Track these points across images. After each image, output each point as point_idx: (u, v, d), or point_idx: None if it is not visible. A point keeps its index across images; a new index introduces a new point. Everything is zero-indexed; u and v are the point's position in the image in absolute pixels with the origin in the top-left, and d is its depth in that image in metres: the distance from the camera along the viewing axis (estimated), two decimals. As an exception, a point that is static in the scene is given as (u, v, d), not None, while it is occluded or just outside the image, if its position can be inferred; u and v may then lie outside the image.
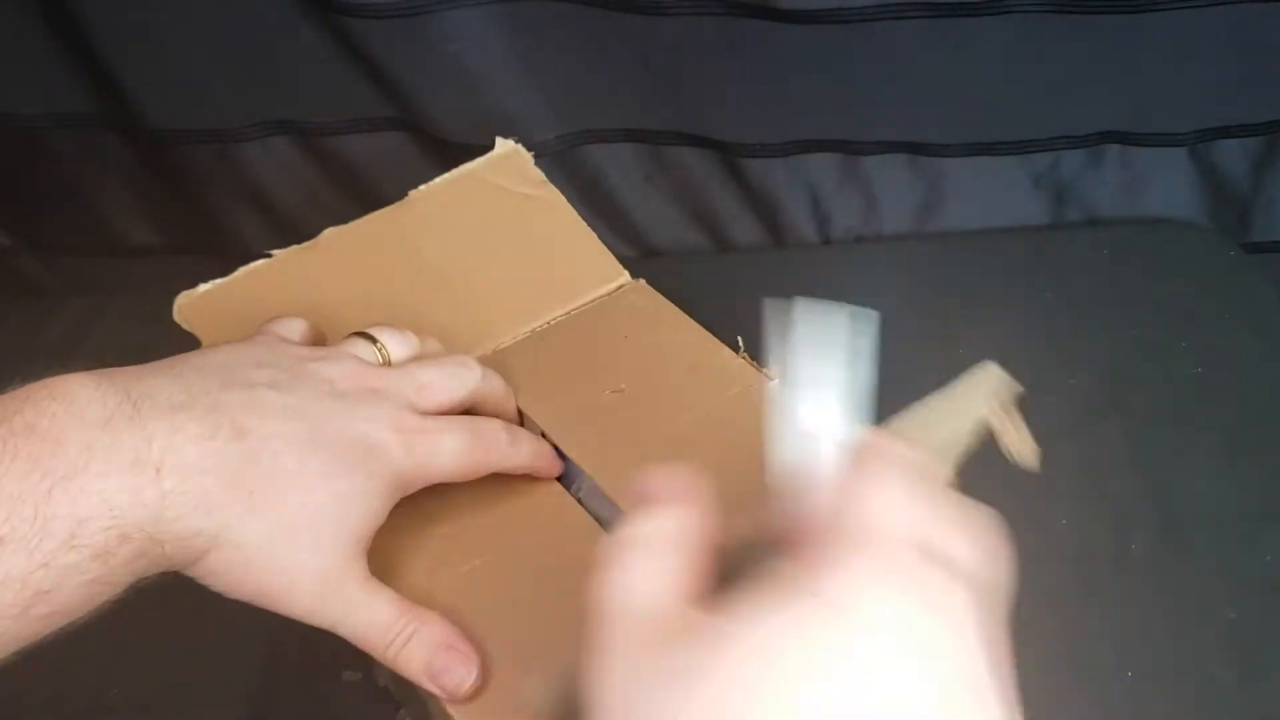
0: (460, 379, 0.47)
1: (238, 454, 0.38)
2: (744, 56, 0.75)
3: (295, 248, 0.59)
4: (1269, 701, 0.55)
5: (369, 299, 0.57)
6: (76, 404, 0.36)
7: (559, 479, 0.50)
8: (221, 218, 0.85)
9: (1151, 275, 0.80)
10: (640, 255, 0.88)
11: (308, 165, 0.82)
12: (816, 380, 0.30)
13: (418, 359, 0.48)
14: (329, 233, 0.60)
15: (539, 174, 0.63)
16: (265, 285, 0.58)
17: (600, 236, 0.86)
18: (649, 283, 0.62)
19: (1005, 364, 0.59)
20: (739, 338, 0.55)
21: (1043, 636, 0.57)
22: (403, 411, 0.44)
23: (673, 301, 0.62)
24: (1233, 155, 0.82)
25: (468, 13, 0.72)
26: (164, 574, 0.39)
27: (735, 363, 0.54)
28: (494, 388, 0.49)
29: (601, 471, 0.49)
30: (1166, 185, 0.84)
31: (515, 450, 0.47)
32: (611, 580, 0.29)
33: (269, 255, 0.59)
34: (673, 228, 0.87)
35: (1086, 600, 0.59)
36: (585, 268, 0.60)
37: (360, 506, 0.41)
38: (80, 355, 0.79)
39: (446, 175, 0.62)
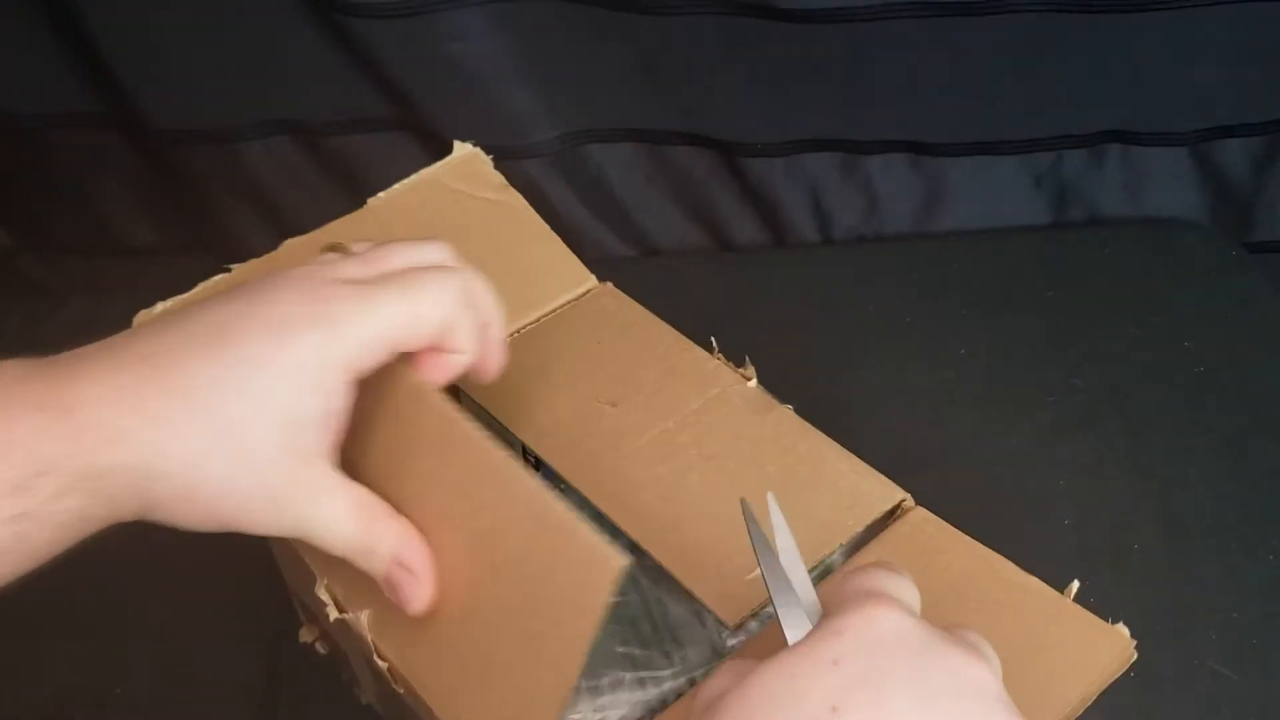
0: (425, 250, 0.43)
1: (146, 378, 0.36)
2: (745, 56, 0.75)
3: (255, 261, 0.58)
4: (1271, 701, 0.55)
5: None
6: (2, 369, 0.36)
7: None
8: (222, 217, 0.86)
9: (1153, 275, 0.80)
10: (641, 254, 0.88)
11: (309, 165, 0.83)
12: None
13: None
14: (289, 243, 0.58)
15: (500, 178, 0.61)
16: None
17: (600, 236, 0.87)
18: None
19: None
20: (712, 339, 0.54)
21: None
22: (331, 283, 0.39)
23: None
24: (1234, 155, 0.82)
25: (468, 12, 0.72)
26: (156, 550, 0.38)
27: (711, 364, 0.53)
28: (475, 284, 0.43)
29: (588, 484, 0.48)
30: (1168, 185, 0.84)
31: (468, 314, 0.41)
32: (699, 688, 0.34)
33: (228, 270, 0.57)
34: (673, 227, 0.87)
35: (1088, 600, 0.59)
36: (552, 273, 0.58)
37: (283, 404, 0.37)
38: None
39: (405, 181, 0.60)
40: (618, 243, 0.87)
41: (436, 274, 0.41)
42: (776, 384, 0.56)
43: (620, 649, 0.44)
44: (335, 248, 0.44)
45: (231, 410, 0.36)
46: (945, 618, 0.40)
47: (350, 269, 0.40)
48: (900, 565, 0.36)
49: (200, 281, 0.58)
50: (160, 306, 0.54)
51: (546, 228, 0.59)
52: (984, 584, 0.45)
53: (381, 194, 0.59)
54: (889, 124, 0.81)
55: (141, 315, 0.53)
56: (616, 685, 0.43)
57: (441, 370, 0.41)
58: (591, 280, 0.58)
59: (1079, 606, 0.44)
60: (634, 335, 0.55)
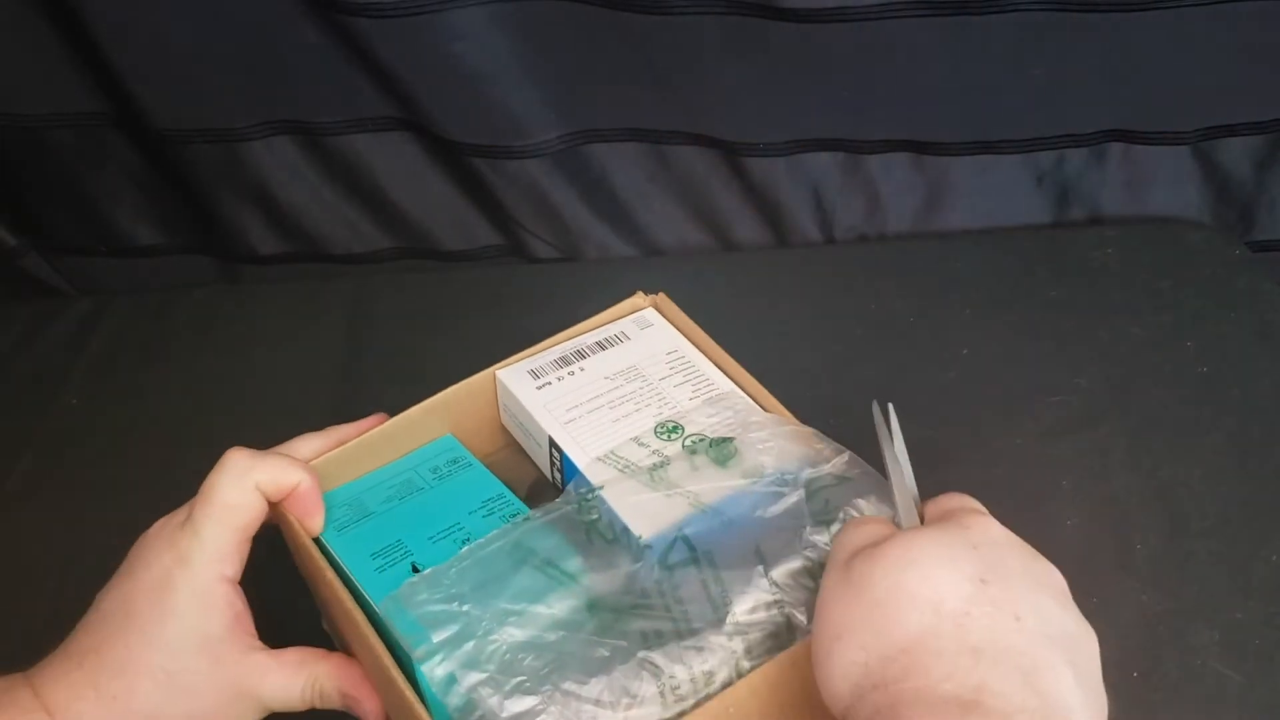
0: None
1: (92, 668, 0.45)
2: (747, 55, 0.75)
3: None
4: (1274, 701, 0.55)
5: None
6: None
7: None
8: (224, 217, 0.86)
9: (1155, 274, 0.80)
10: (643, 254, 0.88)
11: (311, 164, 0.83)
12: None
13: None
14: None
15: None
16: None
17: (602, 236, 0.87)
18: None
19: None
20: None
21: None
22: (171, 529, 0.48)
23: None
24: (1236, 154, 0.82)
25: (471, 12, 0.72)
26: None
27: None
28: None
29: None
30: (1170, 184, 0.84)
31: (235, 480, 0.48)
32: (840, 535, 0.43)
33: None
34: (676, 227, 0.87)
35: (1090, 600, 0.59)
36: None
37: (197, 630, 0.45)
38: (86, 353, 0.79)
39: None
40: (620, 243, 0.87)
41: (219, 467, 0.48)
42: (777, 384, 0.57)
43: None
44: None
45: (162, 665, 0.45)
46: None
47: (177, 515, 0.49)
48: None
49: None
50: None
51: None
52: None
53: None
54: (890, 123, 0.81)
55: None
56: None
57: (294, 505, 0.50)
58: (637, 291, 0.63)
59: None
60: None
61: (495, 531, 0.48)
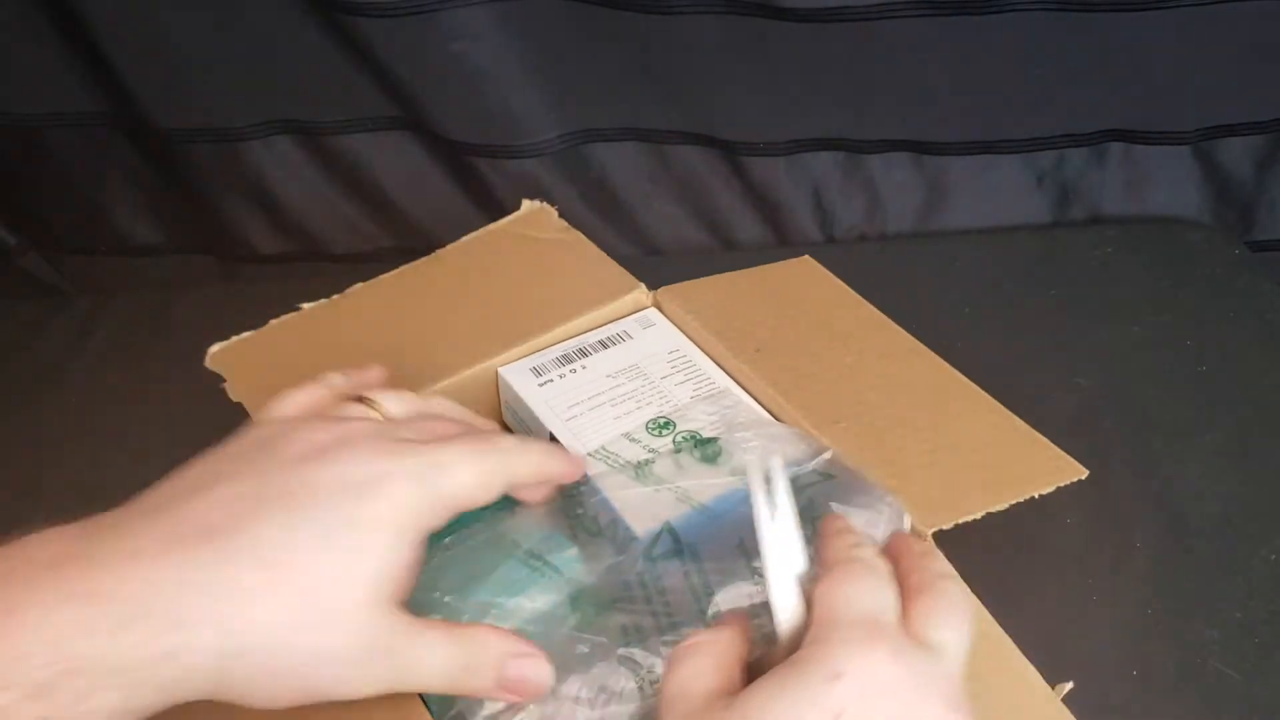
0: (455, 417, 0.44)
1: (209, 555, 0.34)
2: (747, 55, 0.75)
3: (324, 301, 0.61)
4: (1274, 700, 0.55)
5: (398, 348, 0.57)
6: (28, 547, 0.34)
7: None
8: (225, 216, 0.86)
9: (1155, 274, 0.80)
10: (643, 254, 0.88)
11: (311, 164, 0.83)
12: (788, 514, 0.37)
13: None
14: (358, 287, 0.62)
15: (563, 223, 0.66)
16: (295, 337, 0.59)
17: (603, 236, 0.87)
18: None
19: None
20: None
21: (1046, 635, 0.57)
22: (389, 440, 0.39)
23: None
24: (1236, 154, 0.82)
25: (471, 11, 0.72)
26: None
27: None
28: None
29: None
30: (1170, 184, 0.84)
31: (526, 450, 0.43)
32: (671, 674, 0.36)
33: (298, 309, 0.61)
34: (676, 226, 0.87)
35: (1090, 598, 0.59)
36: (604, 287, 0.62)
37: (371, 561, 0.36)
38: (85, 354, 0.79)
39: (473, 233, 0.65)
40: (620, 242, 0.87)
41: (498, 442, 0.42)
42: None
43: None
44: (363, 400, 0.44)
45: (316, 573, 0.35)
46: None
47: (409, 432, 0.41)
48: (880, 557, 0.37)
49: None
50: (233, 340, 0.59)
51: (601, 253, 0.64)
52: (981, 665, 0.43)
53: (451, 244, 0.65)
54: (891, 123, 0.81)
55: (215, 349, 0.58)
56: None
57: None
58: (640, 288, 0.62)
59: (1065, 711, 0.43)
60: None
61: (480, 523, 0.48)
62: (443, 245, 0.65)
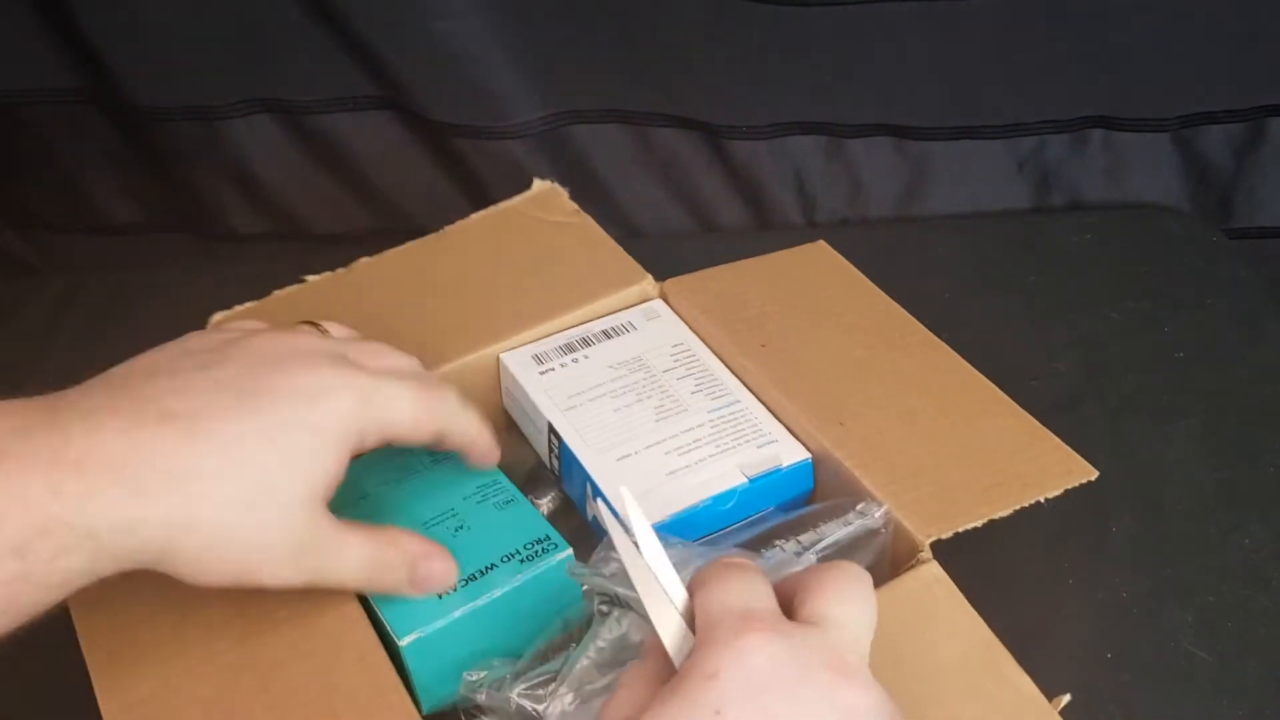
0: (408, 358, 0.46)
1: (170, 437, 0.37)
2: (730, 38, 0.75)
3: (328, 274, 0.61)
4: (1246, 682, 0.55)
5: (400, 327, 0.57)
6: None
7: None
8: (205, 195, 0.85)
9: (1134, 260, 0.80)
10: (624, 236, 0.88)
11: (292, 143, 0.82)
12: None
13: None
14: (362, 261, 0.62)
15: (573, 206, 0.66)
16: (296, 309, 0.59)
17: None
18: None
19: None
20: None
21: (1023, 617, 0.57)
22: (347, 365, 0.42)
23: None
24: (1215, 141, 0.83)
25: (453, -9, 0.72)
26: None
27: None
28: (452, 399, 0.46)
29: None
30: (1149, 171, 0.85)
31: (465, 415, 0.45)
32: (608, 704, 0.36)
33: (303, 280, 0.60)
34: (658, 209, 0.87)
35: (1066, 581, 0.59)
36: (609, 275, 0.62)
37: (313, 462, 0.39)
38: (63, 332, 0.78)
39: (484, 210, 0.65)
40: (601, 224, 0.87)
41: (440, 393, 0.44)
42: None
43: None
44: (314, 325, 0.47)
45: (264, 465, 0.38)
46: (925, 695, 0.41)
47: (359, 356, 0.43)
48: (750, 561, 0.37)
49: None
50: (235, 309, 0.59)
51: (609, 239, 0.65)
52: (976, 674, 0.44)
53: (459, 221, 0.64)
54: (873, 107, 0.81)
55: (217, 318, 0.58)
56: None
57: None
58: (648, 279, 0.62)
59: None
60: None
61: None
62: (423, 225, 0.64)
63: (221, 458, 0.37)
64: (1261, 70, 0.79)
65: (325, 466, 0.40)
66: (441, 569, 0.44)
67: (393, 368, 0.44)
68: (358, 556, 0.41)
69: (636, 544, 0.36)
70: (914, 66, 0.78)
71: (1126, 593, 0.59)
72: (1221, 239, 0.83)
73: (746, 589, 0.35)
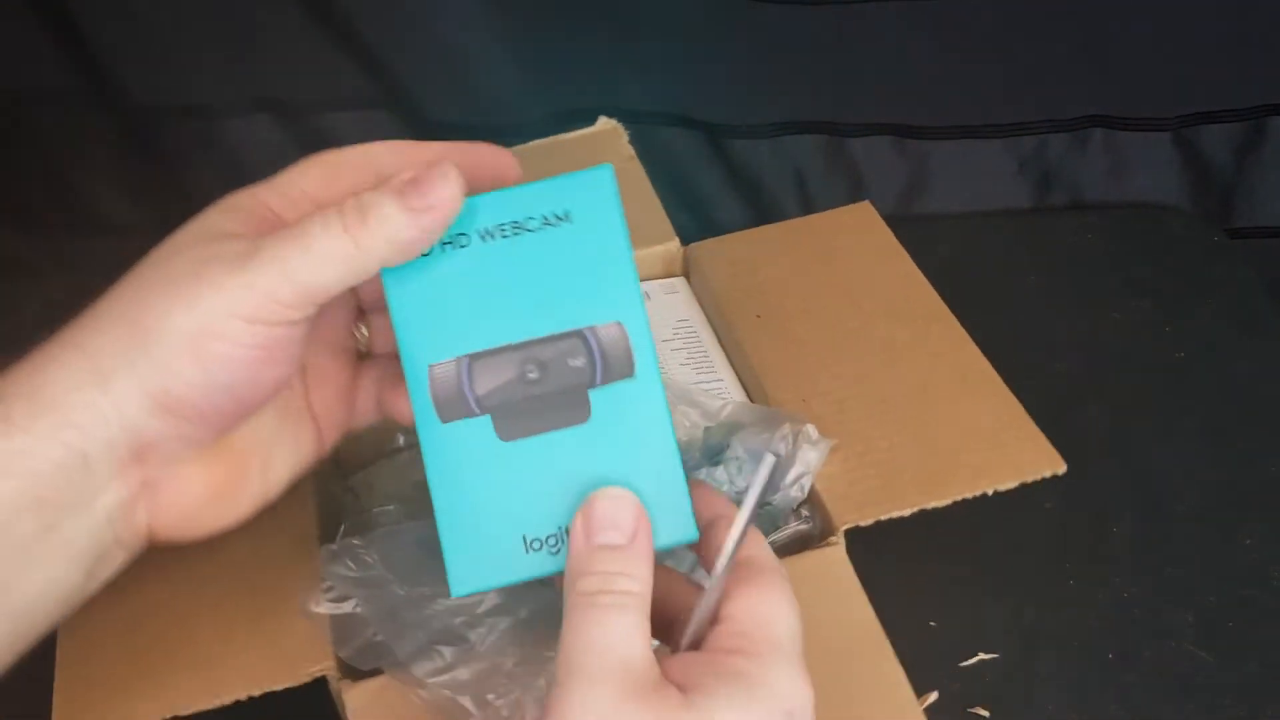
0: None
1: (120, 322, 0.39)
2: (730, 37, 0.75)
3: None
4: (1247, 684, 0.55)
5: None
6: None
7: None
8: (202, 194, 0.84)
9: (1135, 260, 0.80)
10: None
11: (290, 143, 0.82)
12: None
13: None
14: None
15: (630, 150, 0.65)
16: None
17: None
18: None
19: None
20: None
21: (1024, 619, 0.57)
22: None
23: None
24: (1216, 141, 0.82)
25: (453, -10, 0.71)
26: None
27: None
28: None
29: None
30: (1150, 170, 0.84)
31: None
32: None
33: None
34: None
35: (1067, 583, 0.59)
36: (640, 231, 0.58)
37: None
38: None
39: (538, 140, 0.65)
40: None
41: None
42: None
43: None
44: None
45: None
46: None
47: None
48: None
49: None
50: None
51: (651, 192, 0.64)
52: (850, 662, 0.43)
53: (516, 147, 0.60)
54: (873, 107, 0.81)
55: None
56: None
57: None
58: (675, 241, 0.62)
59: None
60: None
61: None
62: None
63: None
64: (1261, 70, 0.78)
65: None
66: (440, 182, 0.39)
67: None
68: (328, 230, 0.39)
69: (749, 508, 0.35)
70: (914, 66, 0.77)
71: (1127, 594, 0.59)
72: (1222, 239, 0.82)
73: (789, 614, 0.35)
